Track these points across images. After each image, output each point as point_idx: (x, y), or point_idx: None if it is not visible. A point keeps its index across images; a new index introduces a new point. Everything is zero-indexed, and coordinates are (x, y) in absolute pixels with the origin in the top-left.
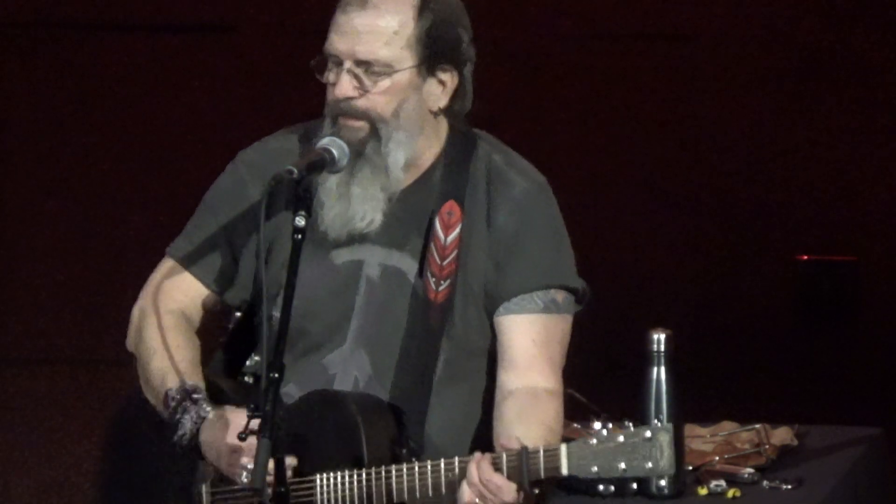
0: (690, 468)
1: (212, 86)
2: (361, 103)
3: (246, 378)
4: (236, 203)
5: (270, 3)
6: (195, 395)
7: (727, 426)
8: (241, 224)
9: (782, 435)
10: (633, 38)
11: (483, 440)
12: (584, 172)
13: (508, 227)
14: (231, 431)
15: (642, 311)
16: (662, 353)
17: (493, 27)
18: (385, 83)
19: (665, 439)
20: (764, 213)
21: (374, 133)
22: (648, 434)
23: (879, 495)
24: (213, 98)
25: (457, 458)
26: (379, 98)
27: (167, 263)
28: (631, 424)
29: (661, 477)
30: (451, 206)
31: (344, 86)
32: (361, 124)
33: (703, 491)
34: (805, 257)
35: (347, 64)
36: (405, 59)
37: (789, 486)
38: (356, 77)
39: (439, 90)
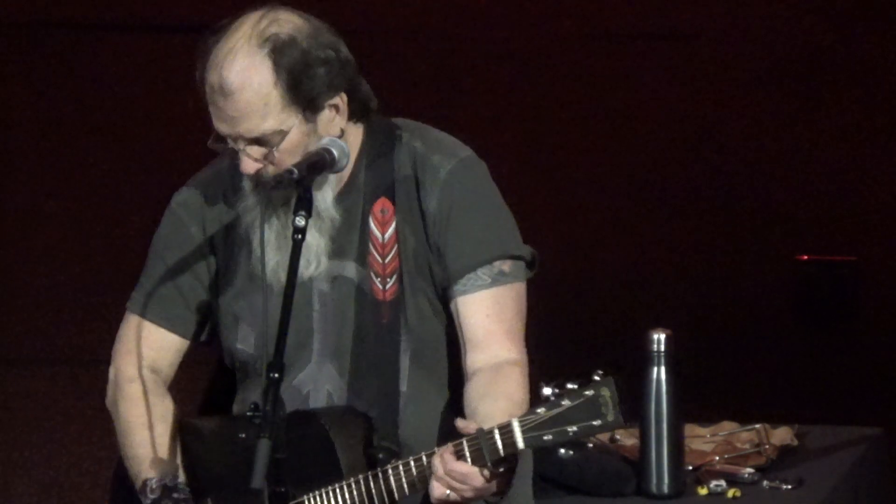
0: (690, 468)
1: None
2: (270, 170)
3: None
4: (180, 245)
5: (270, 3)
6: (176, 496)
7: (727, 426)
8: (189, 264)
9: (782, 435)
10: (633, 38)
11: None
12: (584, 172)
13: (439, 210)
14: None
15: (642, 311)
16: (662, 353)
17: (493, 27)
18: (282, 147)
19: (607, 393)
20: (764, 213)
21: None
22: (590, 392)
23: (879, 495)
24: None
25: (423, 453)
26: (283, 160)
27: (129, 319)
28: (575, 386)
29: (612, 430)
30: (383, 204)
31: (247, 165)
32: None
33: (703, 491)
34: (805, 257)
35: (241, 144)
36: (288, 119)
37: (789, 486)
38: (253, 152)
39: (333, 115)
